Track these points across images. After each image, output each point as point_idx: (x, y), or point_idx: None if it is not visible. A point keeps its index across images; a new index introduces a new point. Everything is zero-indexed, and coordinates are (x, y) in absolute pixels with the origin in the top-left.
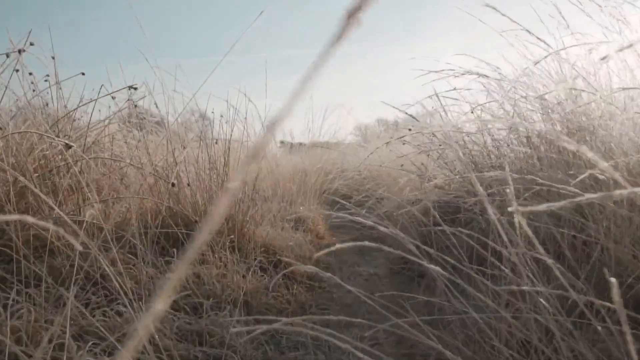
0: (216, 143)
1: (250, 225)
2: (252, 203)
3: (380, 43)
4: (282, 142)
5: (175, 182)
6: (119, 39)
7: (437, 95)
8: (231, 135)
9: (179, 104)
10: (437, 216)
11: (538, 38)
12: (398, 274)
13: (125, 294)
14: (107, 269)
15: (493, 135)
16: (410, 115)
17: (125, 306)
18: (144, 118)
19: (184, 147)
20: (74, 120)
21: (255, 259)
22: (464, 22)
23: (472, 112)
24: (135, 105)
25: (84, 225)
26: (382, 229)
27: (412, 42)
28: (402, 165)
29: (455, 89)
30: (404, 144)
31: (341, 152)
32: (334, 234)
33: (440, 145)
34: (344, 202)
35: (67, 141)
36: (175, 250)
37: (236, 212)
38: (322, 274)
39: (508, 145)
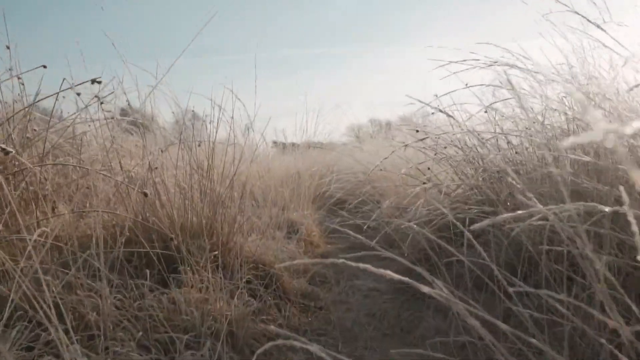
0: (199, 145)
1: (237, 238)
2: (240, 211)
3: (378, 44)
4: (274, 142)
5: (147, 191)
6: (91, 37)
7: (505, 89)
8: (216, 136)
9: (162, 104)
10: (486, 257)
11: (591, 22)
12: (401, 290)
13: (68, 331)
14: (34, 301)
15: (510, 141)
16: (445, 112)
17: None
18: (113, 117)
19: (162, 150)
20: (30, 120)
21: (242, 279)
22: (460, 24)
23: (485, 112)
24: (102, 102)
25: (30, 244)
26: (425, 289)
27: (409, 42)
28: (403, 170)
29: (467, 85)
30: (406, 146)
31: (337, 153)
32: (329, 241)
33: (445, 147)
34: (343, 211)
35: (3, 146)
36: (149, 271)
37: (221, 223)
38: (317, 292)
39: (526, 149)
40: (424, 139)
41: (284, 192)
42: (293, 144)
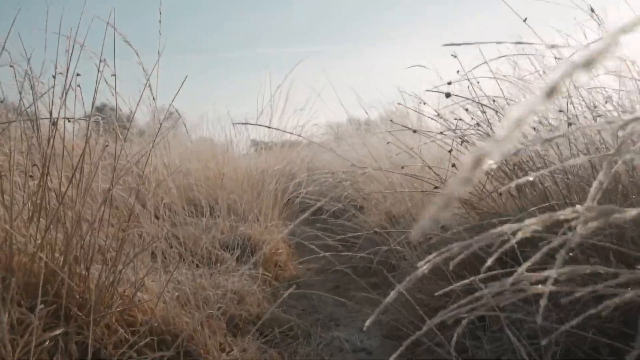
0: (54, 124)
1: (121, 288)
2: (127, 241)
3: (356, 44)
4: (253, 140)
5: None
6: None
7: None
8: (62, 109)
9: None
10: None
11: None
12: (408, 350)
13: None
14: None
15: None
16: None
17: None
18: None
19: None
20: None
21: None
22: (438, 26)
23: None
24: None
25: None
26: None
27: (388, 43)
28: (402, 167)
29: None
30: (414, 131)
31: (304, 148)
32: (299, 259)
33: (465, 136)
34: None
35: None
36: None
37: (84, 269)
38: None
39: None
40: (452, 101)
41: (236, 199)
42: (268, 143)
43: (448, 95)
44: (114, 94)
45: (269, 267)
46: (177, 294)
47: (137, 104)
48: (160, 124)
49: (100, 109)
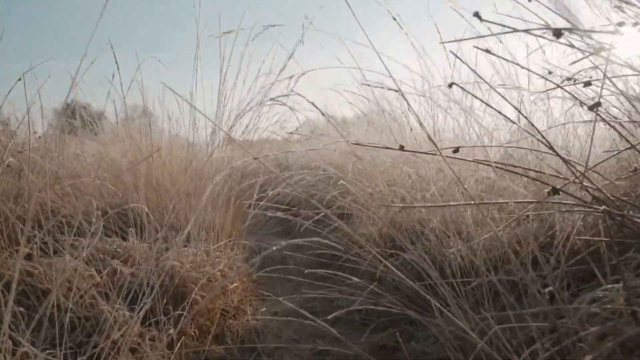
0: None
1: None
2: None
3: (325, 38)
4: (227, 139)
5: None
6: None
7: None
8: None
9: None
10: None
11: None
12: None
13: None
14: None
15: None
16: None
17: None
18: None
19: None
20: None
21: None
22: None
23: None
24: None
25: None
26: None
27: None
28: (455, 151)
29: None
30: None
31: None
32: (264, 289)
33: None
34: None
35: None
36: None
37: None
38: None
39: None
40: None
41: (179, 203)
42: (243, 142)
43: None
44: None
45: (207, 321)
46: None
47: None
48: None
49: (70, 106)
